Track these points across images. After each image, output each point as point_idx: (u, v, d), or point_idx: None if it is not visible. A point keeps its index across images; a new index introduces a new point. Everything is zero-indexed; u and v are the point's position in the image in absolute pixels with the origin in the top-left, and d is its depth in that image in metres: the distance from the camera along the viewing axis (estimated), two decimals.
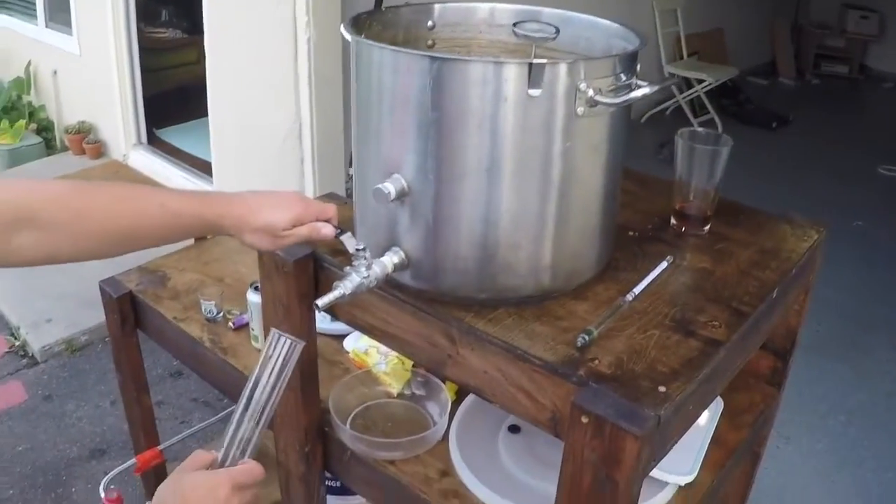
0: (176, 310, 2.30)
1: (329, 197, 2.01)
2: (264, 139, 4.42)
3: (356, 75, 1.38)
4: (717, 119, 7.62)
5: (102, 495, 2.40)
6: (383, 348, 1.98)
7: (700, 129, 1.73)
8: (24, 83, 6.57)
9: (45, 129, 6.51)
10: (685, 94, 7.64)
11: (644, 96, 1.26)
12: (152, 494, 2.75)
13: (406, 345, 1.50)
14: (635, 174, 2.01)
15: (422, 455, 1.78)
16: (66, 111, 6.40)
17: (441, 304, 1.42)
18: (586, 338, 1.30)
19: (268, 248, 1.38)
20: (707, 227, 1.72)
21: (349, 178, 4.31)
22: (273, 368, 1.26)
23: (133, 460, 2.56)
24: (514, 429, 1.85)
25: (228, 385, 2.15)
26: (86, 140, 6.06)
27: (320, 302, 1.30)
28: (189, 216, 1.31)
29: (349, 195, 1.64)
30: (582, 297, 1.46)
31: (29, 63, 6.57)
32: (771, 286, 1.52)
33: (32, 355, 3.98)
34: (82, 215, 1.25)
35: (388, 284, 1.45)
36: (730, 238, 1.70)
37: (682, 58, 7.90)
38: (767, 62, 9.73)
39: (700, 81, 7.49)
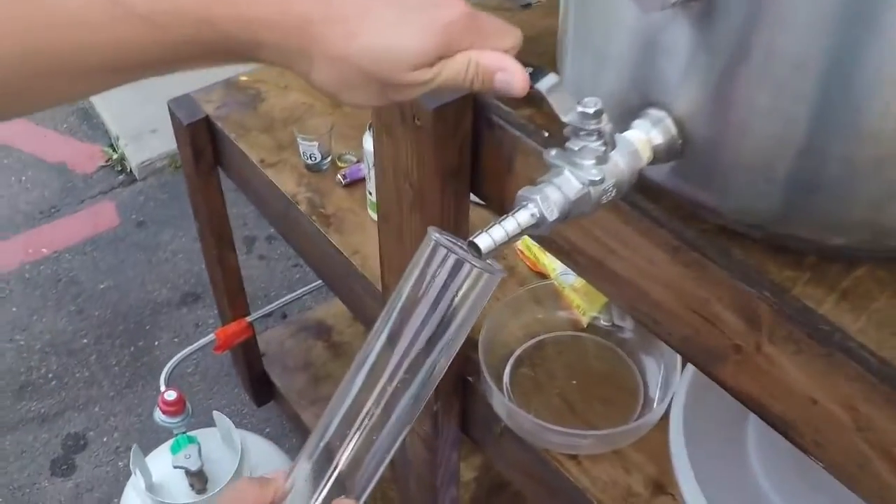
0: (266, 148, 1.59)
1: None
2: None
3: None
4: None
5: (162, 388, 1.78)
6: None
7: None
8: None
9: None
10: None
11: None
12: (245, 378, 2.14)
13: (645, 301, 0.75)
14: None
15: (623, 448, 1.06)
16: None
17: (736, 241, 0.67)
18: None
19: (369, 104, 0.62)
20: None
21: None
22: (430, 310, 0.56)
23: (212, 336, 1.94)
24: None
25: (329, 270, 1.46)
26: None
27: (482, 242, 0.54)
28: (178, 25, 0.54)
29: None
30: None
31: None
32: None
33: (130, 171, 3.38)
34: None
35: None
36: None
37: None
38: None
39: None
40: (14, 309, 2.78)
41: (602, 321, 1.20)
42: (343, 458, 0.59)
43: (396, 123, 0.85)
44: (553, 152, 0.59)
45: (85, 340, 2.67)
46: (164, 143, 3.43)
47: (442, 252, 0.52)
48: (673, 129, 0.62)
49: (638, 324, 0.80)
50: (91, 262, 2.94)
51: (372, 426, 0.59)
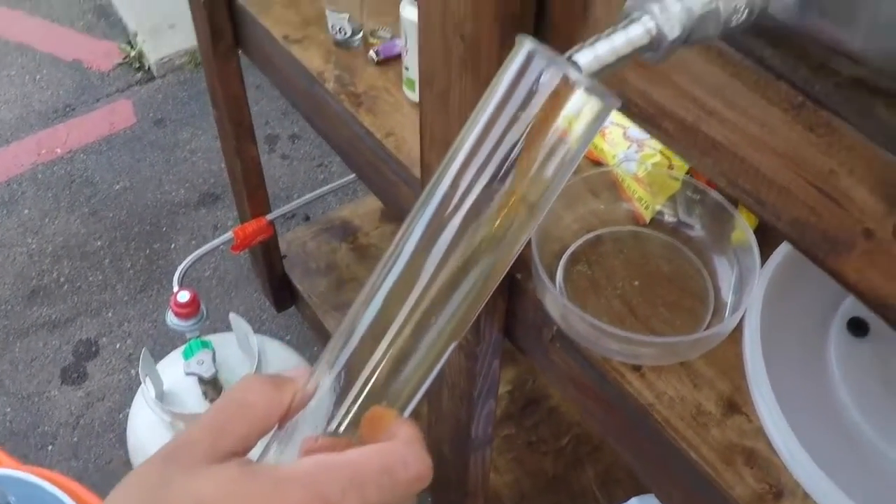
0: (290, 24, 1.44)
1: None
2: None
3: None
4: None
5: (175, 288, 1.66)
6: (634, 130, 1.10)
7: None
8: None
9: None
10: None
11: None
12: (265, 281, 2.01)
13: (750, 175, 0.61)
14: None
15: (692, 361, 0.93)
16: None
17: (879, 98, 0.53)
18: None
19: None
20: None
21: None
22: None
23: (229, 234, 1.82)
24: (857, 326, 0.97)
25: (359, 155, 1.32)
26: None
27: (583, 59, 0.40)
28: None
29: None
30: None
31: None
32: None
33: (148, 68, 3.23)
34: None
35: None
36: None
37: None
38: None
39: None
40: (26, 211, 2.68)
41: (667, 216, 1.06)
42: (374, 370, 0.45)
43: None
44: None
45: (98, 243, 2.57)
46: (183, 38, 3.30)
47: (539, 65, 0.38)
48: None
49: (741, 202, 0.66)
50: (106, 162, 2.83)
51: (437, 296, 0.43)
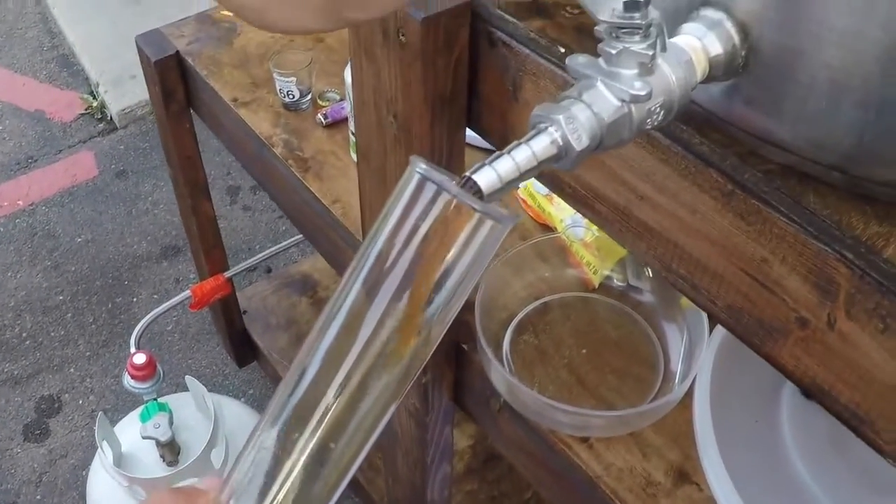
0: (240, 86, 1.43)
1: None
2: None
3: None
4: None
5: (132, 349, 1.64)
6: None
7: None
8: None
9: None
10: None
11: None
12: (225, 337, 1.99)
13: (683, 261, 0.61)
14: None
15: (641, 430, 0.92)
16: None
17: (809, 186, 0.53)
18: None
19: (312, 25, 0.48)
20: None
21: None
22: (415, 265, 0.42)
23: (187, 293, 1.80)
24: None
25: (307, 220, 1.31)
26: None
27: (483, 179, 0.39)
28: None
29: None
30: None
31: None
32: None
33: (110, 119, 3.22)
34: None
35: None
36: None
37: None
38: None
39: None
40: None
41: (616, 281, 1.05)
42: (299, 455, 0.46)
43: (377, 42, 0.70)
44: (581, 59, 0.44)
45: (61, 297, 2.53)
46: (144, 89, 3.26)
47: (430, 190, 0.38)
48: (734, 36, 0.47)
49: (673, 288, 0.66)
50: (68, 215, 2.80)
51: (340, 413, 0.45)
